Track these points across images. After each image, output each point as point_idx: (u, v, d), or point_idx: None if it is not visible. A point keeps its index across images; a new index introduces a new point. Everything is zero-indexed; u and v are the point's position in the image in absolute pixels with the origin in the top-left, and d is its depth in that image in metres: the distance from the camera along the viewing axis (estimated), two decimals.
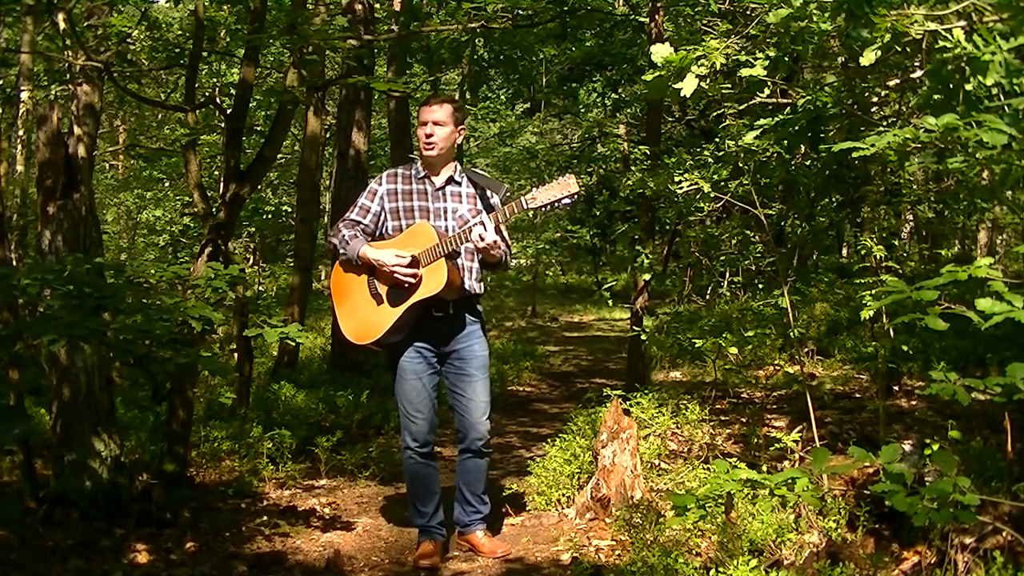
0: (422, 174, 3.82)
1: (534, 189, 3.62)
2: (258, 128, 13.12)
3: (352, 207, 3.88)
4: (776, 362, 6.75)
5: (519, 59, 13.65)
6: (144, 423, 5.44)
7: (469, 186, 3.84)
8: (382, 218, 3.81)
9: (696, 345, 5.58)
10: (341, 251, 3.78)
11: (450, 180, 3.82)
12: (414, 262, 3.64)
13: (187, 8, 9.54)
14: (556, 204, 3.57)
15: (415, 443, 3.78)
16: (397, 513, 4.48)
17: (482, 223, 3.58)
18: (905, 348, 4.74)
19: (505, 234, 3.78)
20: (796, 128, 3.79)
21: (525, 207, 3.58)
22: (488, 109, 18.86)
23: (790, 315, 4.52)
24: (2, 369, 4.08)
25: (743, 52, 3.54)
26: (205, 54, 7.82)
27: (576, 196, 3.57)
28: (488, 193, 3.83)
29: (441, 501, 3.88)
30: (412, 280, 3.63)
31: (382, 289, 3.73)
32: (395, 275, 3.64)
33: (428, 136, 3.73)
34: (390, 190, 3.81)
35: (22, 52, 9.11)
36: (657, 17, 6.66)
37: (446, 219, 3.77)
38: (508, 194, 3.78)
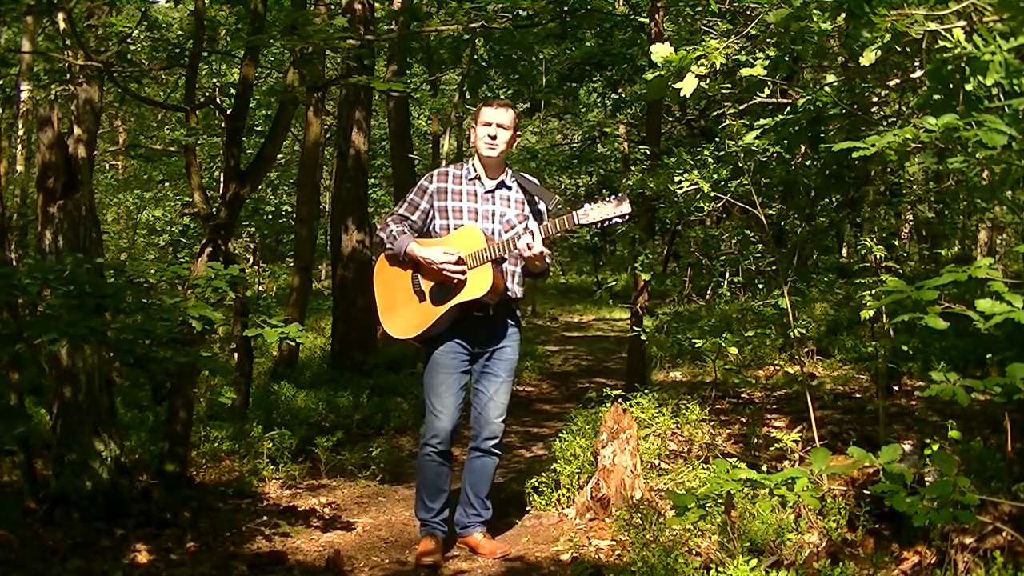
0: (473, 175, 3.83)
1: (587, 205, 3.63)
2: (258, 128, 13.12)
3: (401, 202, 3.89)
4: (776, 362, 6.75)
5: (519, 59, 13.64)
6: (144, 423, 5.45)
7: (519, 191, 3.85)
8: (430, 215, 3.83)
9: (696, 345, 5.58)
10: (388, 245, 3.78)
11: (501, 184, 3.83)
12: (460, 263, 3.66)
13: (187, 8, 9.54)
14: (608, 223, 3.59)
15: (435, 439, 3.77)
16: (397, 512, 4.48)
17: (531, 232, 3.60)
18: (905, 348, 4.74)
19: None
20: (796, 128, 3.79)
21: (577, 222, 3.59)
22: None
23: (790, 315, 4.52)
24: (2, 369, 4.08)
25: (743, 52, 3.55)
26: (205, 54, 7.82)
27: (628, 217, 3.58)
28: (536, 199, 3.86)
29: (449, 500, 3.89)
30: (461, 277, 3.64)
31: (426, 286, 3.74)
32: (444, 272, 3.64)
33: (492, 137, 3.75)
34: (440, 188, 3.82)
35: (22, 52, 9.11)
36: (657, 17, 6.66)
37: (493, 222, 3.79)
38: (558, 206, 3.79)
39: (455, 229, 3.76)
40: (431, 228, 3.83)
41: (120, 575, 3.46)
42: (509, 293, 3.80)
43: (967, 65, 2.48)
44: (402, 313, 3.79)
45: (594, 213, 3.57)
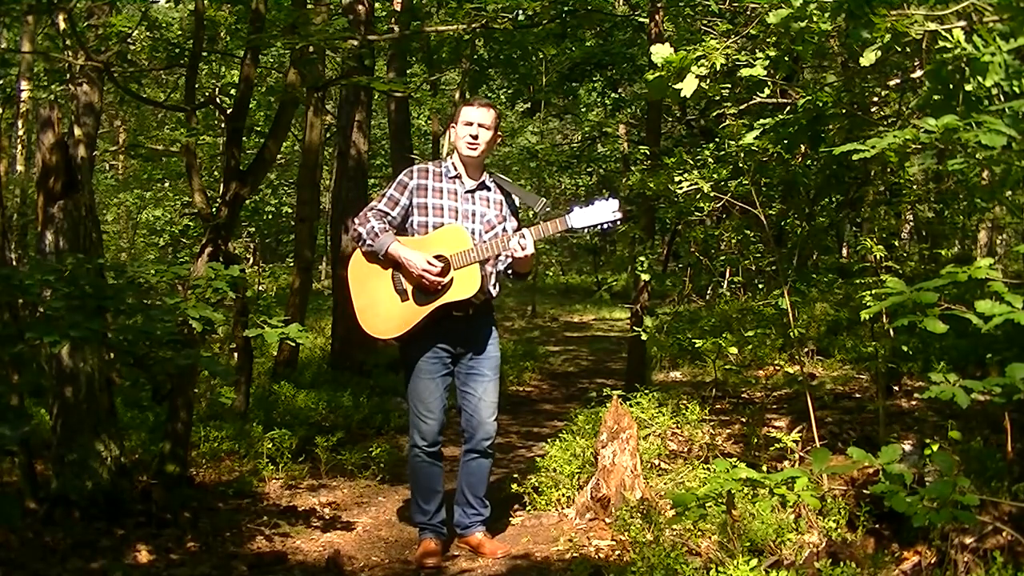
0: (453, 173, 3.82)
1: (577, 208, 3.65)
2: (258, 128, 13.12)
3: (380, 196, 3.82)
4: (776, 362, 6.74)
5: (519, 59, 13.64)
6: (144, 423, 5.45)
7: (497, 192, 3.86)
8: (409, 212, 3.78)
9: (696, 345, 5.58)
10: (368, 241, 3.71)
11: (481, 184, 3.83)
12: (446, 264, 3.64)
13: (187, 8, 9.54)
14: (597, 226, 3.60)
15: (424, 442, 3.78)
16: (397, 512, 4.49)
17: (522, 234, 3.61)
18: (905, 348, 4.74)
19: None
20: (796, 128, 3.80)
21: (569, 225, 3.61)
22: None
23: (790, 315, 4.52)
24: (2, 369, 4.08)
25: (743, 52, 3.55)
26: (205, 54, 7.82)
27: (617, 222, 3.59)
28: (514, 199, 3.87)
29: (444, 500, 3.89)
30: (440, 287, 3.63)
31: (408, 286, 3.69)
32: (423, 281, 3.63)
33: (474, 137, 3.74)
34: (421, 185, 3.78)
35: (22, 52, 9.11)
36: (657, 17, 6.66)
37: (473, 222, 3.78)
38: (546, 208, 3.79)
39: (435, 228, 3.72)
40: (409, 224, 3.78)
41: (120, 575, 3.46)
42: (489, 293, 3.81)
43: (967, 66, 2.48)
44: (383, 312, 3.73)
45: (584, 217, 3.58)
